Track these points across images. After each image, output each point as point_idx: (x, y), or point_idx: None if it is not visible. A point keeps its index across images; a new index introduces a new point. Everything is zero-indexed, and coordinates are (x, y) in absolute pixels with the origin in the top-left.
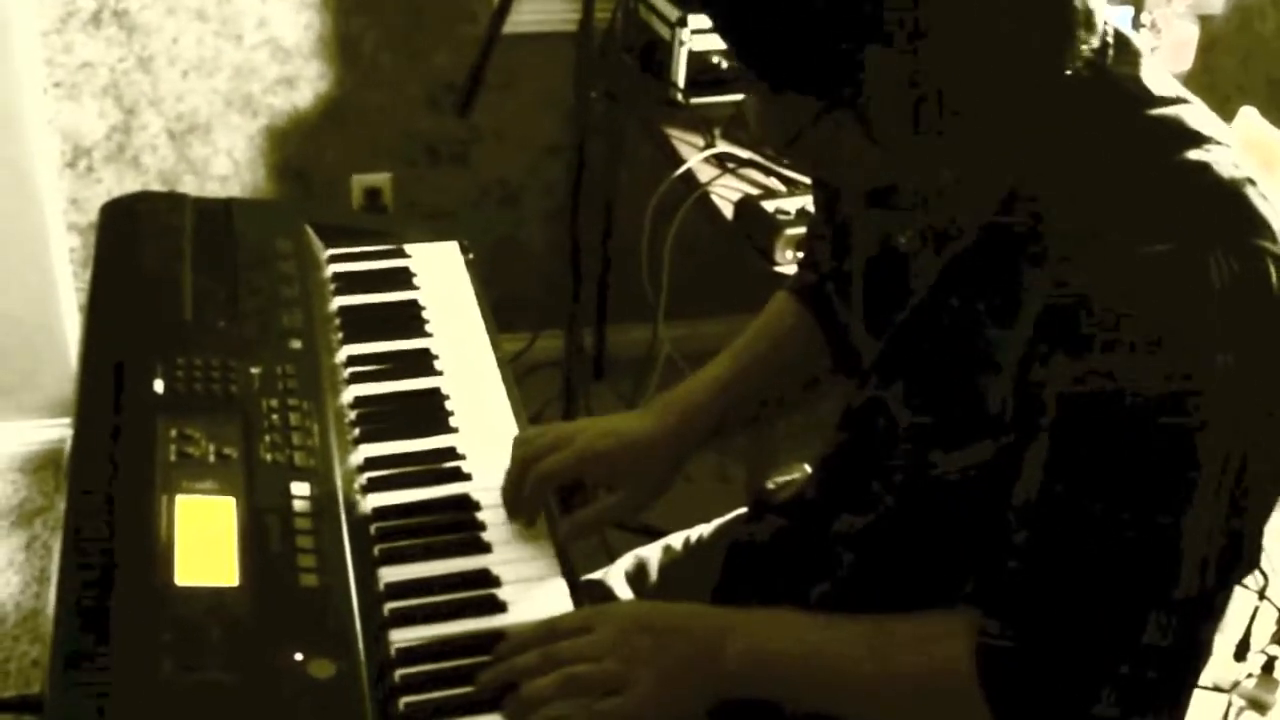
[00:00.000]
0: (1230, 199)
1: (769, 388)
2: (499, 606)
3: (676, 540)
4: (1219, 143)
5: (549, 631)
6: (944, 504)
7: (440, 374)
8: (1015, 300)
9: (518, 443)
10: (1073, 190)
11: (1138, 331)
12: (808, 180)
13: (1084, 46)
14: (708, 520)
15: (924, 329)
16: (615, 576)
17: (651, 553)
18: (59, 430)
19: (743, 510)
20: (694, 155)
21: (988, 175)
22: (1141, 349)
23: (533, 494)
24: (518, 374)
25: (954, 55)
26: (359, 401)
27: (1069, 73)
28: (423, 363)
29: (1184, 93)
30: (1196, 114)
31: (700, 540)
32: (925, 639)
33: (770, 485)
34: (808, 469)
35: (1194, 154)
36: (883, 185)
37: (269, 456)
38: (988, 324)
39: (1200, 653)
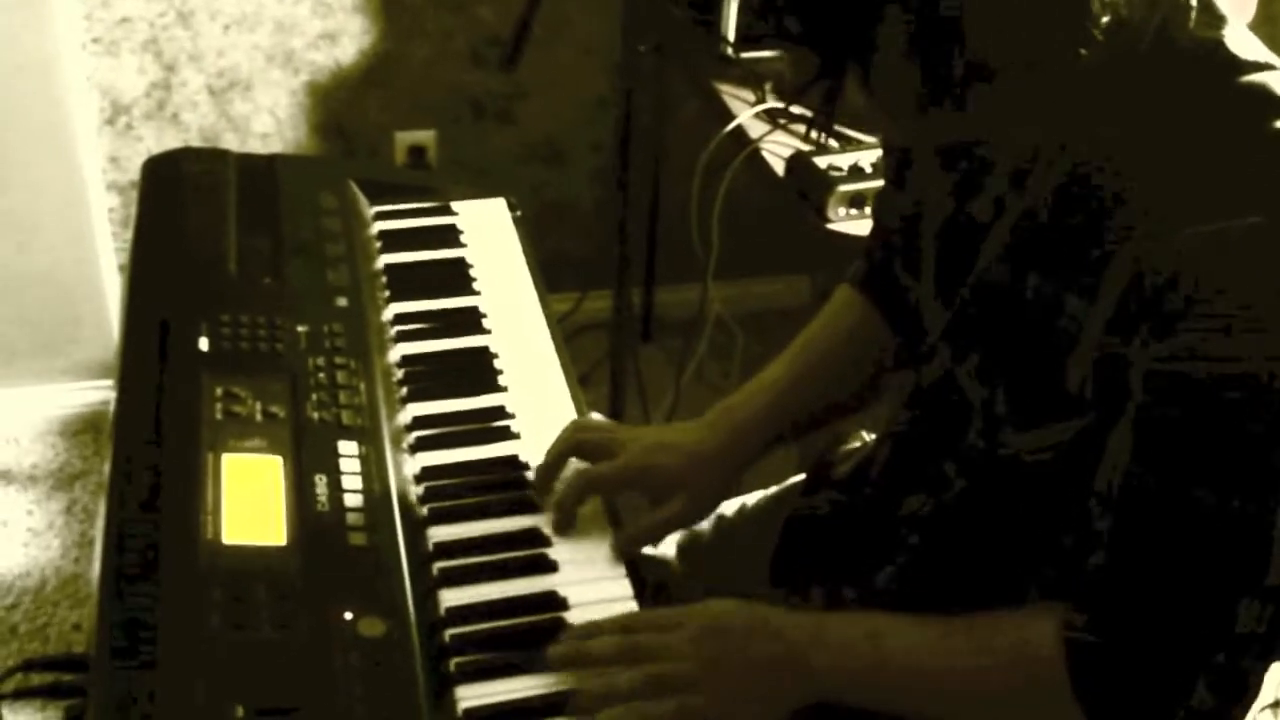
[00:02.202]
0: None
1: (830, 390)
2: (550, 566)
3: (729, 508)
4: None
5: (627, 624)
6: (1017, 486)
7: (488, 332)
8: (1096, 275)
9: (570, 427)
10: (1156, 160)
11: (1226, 309)
12: (862, 136)
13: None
14: (762, 486)
15: (997, 299)
16: (667, 546)
17: (704, 521)
18: (99, 393)
19: (798, 479)
20: (745, 110)
21: (1059, 140)
22: (1230, 327)
23: (573, 497)
24: (565, 335)
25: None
26: (406, 360)
27: (1142, 35)
28: (470, 321)
29: (1272, 57)
30: None
31: (754, 509)
32: (1015, 636)
33: (829, 455)
34: (866, 437)
35: None
36: (930, 145)
37: (316, 415)
38: (1067, 299)
39: None
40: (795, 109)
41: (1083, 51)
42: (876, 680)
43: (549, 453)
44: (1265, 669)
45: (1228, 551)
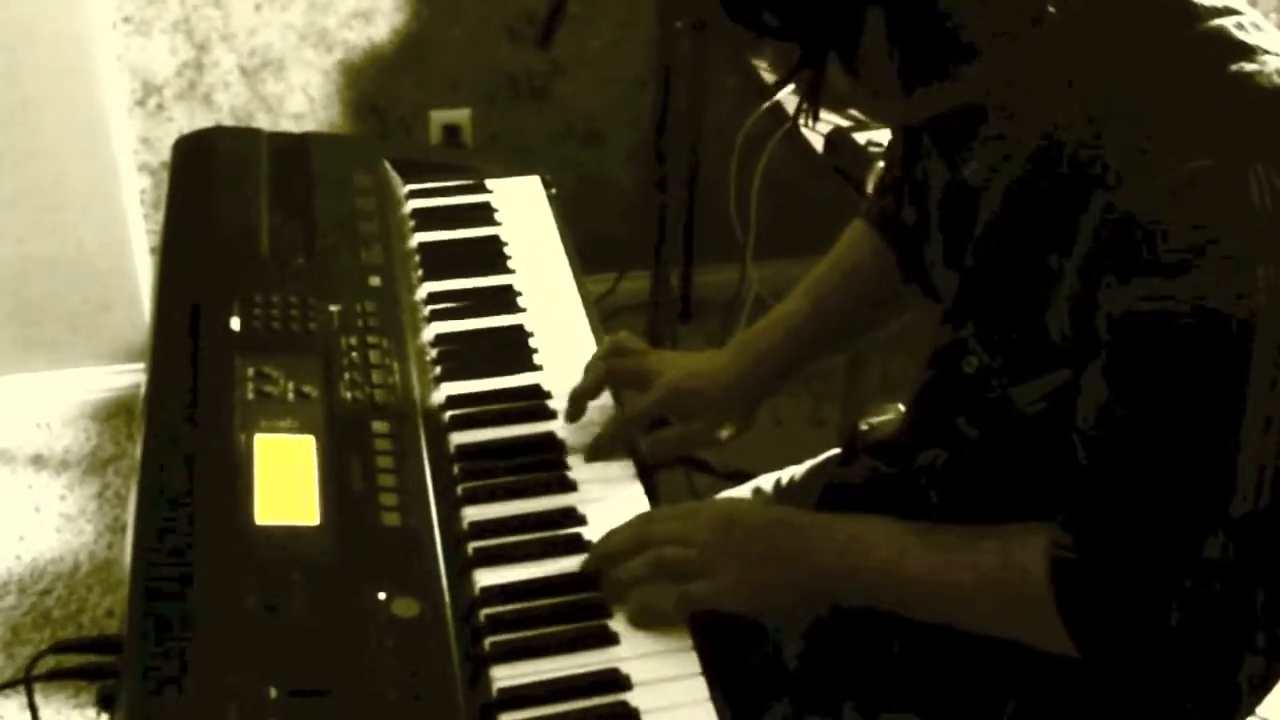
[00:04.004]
0: (1274, 110)
1: (846, 322)
2: (585, 546)
3: (767, 482)
4: (1268, 52)
5: (646, 517)
6: (1023, 437)
7: (523, 311)
8: (1073, 228)
9: (605, 350)
10: (1121, 112)
11: (1180, 250)
12: None
13: None
14: (798, 460)
15: (991, 263)
16: None
17: (742, 494)
18: (131, 376)
19: (835, 452)
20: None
21: (1035, 102)
22: (1184, 267)
23: (621, 438)
24: (602, 316)
25: None
26: (440, 339)
27: None
28: (505, 299)
29: (1232, 1)
30: (1245, 25)
31: (791, 482)
32: (1008, 550)
33: (864, 426)
34: (902, 409)
35: (1239, 66)
36: (910, 122)
37: (349, 395)
38: (1048, 254)
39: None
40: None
41: (1051, 9)
42: (875, 578)
43: (581, 384)
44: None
45: (1192, 480)
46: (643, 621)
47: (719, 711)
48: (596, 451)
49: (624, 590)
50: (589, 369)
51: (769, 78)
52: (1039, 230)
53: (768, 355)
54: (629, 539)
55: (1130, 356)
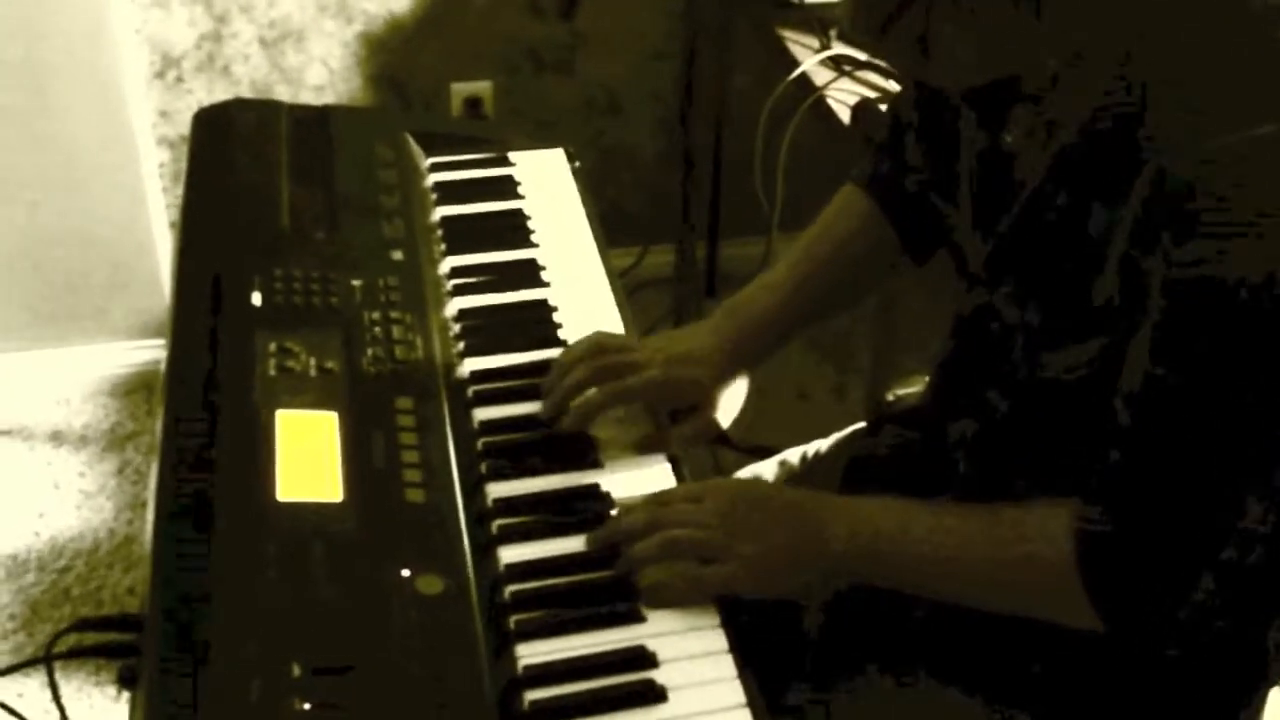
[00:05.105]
0: None
1: (834, 289)
2: None
3: (793, 456)
4: None
5: (658, 498)
6: (1055, 407)
7: (548, 285)
8: (1123, 191)
9: (587, 347)
10: (1178, 76)
11: (1240, 215)
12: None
13: None
14: (823, 435)
15: (1032, 226)
16: None
17: (767, 469)
18: (150, 352)
19: (861, 425)
20: (809, 58)
21: (1092, 63)
22: (1243, 232)
23: (594, 408)
24: (626, 291)
25: None
26: (464, 314)
27: None
28: (529, 274)
29: None
30: None
31: (818, 455)
32: (1028, 526)
33: (889, 397)
34: (926, 379)
35: None
36: (979, 83)
37: (372, 370)
38: (1095, 217)
39: None
40: (861, 55)
41: None
42: (892, 559)
43: (566, 382)
44: None
45: (1237, 447)
46: (656, 601)
47: (747, 688)
48: (572, 423)
49: (636, 569)
50: (571, 372)
51: (794, 48)
52: (1088, 197)
53: (752, 326)
54: (641, 520)
55: (1182, 321)
